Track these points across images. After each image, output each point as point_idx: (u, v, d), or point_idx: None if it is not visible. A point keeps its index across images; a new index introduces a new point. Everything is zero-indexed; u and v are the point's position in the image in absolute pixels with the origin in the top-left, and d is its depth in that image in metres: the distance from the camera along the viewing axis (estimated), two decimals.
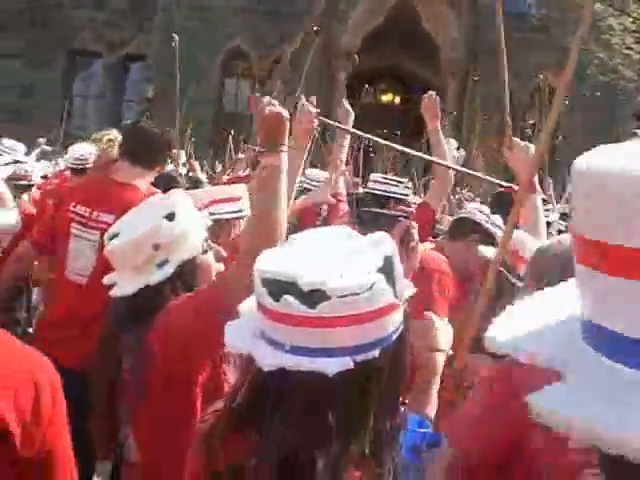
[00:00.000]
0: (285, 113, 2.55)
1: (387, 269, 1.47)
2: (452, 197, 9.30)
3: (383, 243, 1.54)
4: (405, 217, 2.19)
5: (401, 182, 5.90)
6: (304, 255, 1.49)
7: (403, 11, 27.78)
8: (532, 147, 3.38)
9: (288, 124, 2.56)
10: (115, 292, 2.56)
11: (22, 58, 32.74)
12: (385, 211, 2.34)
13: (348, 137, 5.06)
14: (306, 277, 1.41)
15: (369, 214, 2.21)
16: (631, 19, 20.62)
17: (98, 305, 2.94)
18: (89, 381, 2.79)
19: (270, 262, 1.49)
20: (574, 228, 0.88)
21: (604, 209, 0.81)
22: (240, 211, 3.86)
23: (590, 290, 0.88)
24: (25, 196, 6.38)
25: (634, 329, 0.81)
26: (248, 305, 1.61)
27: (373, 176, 6.15)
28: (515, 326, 0.98)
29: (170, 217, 2.60)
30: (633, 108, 29.52)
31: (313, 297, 1.40)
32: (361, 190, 6.98)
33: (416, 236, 2.66)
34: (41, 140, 12.71)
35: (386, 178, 6.06)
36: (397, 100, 33.95)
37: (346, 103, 4.94)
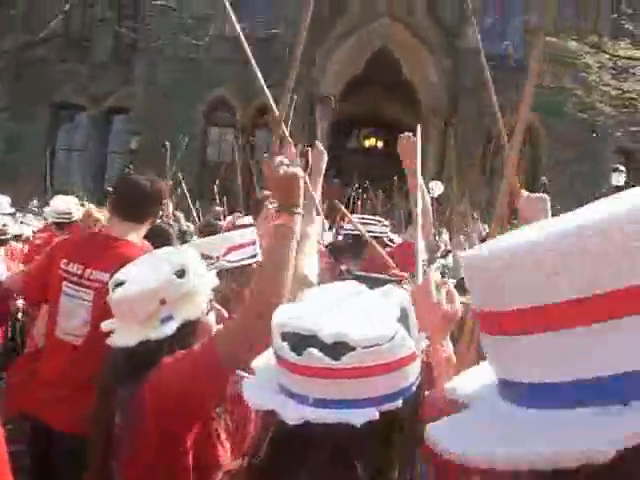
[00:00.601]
0: (300, 173, 2.52)
1: (404, 319, 1.49)
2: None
3: (395, 294, 1.57)
4: (397, 281, 2.10)
5: (379, 221, 5.92)
6: (321, 308, 1.49)
7: (383, 58, 28.13)
8: (542, 196, 3.48)
9: (303, 184, 2.53)
10: (115, 341, 2.51)
11: (6, 111, 32.89)
12: (378, 276, 2.28)
13: (321, 181, 5.02)
14: (328, 329, 1.41)
15: (361, 280, 2.09)
16: (607, 56, 20.92)
17: (91, 367, 2.83)
18: (81, 440, 2.73)
19: (288, 316, 1.50)
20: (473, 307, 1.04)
21: (481, 284, 0.98)
22: (257, 255, 3.81)
23: (485, 349, 1.03)
24: (1, 250, 6.37)
25: (512, 374, 0.97)
26: (263, 361, 1.62)
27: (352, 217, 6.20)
28: (470, 377, 1.12)
29: (180, 274, 2.57)
30: (614, 144, 29.84)
31: (337, 349, 1.39)
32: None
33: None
34: (35, 202, 12.77)
35: (364, 218, 6.15)
36: (380, 145, 34.21)
37: (319, 144, 4.93)
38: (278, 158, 2.56)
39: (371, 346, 1.40)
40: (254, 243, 3.82)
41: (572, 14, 27.04)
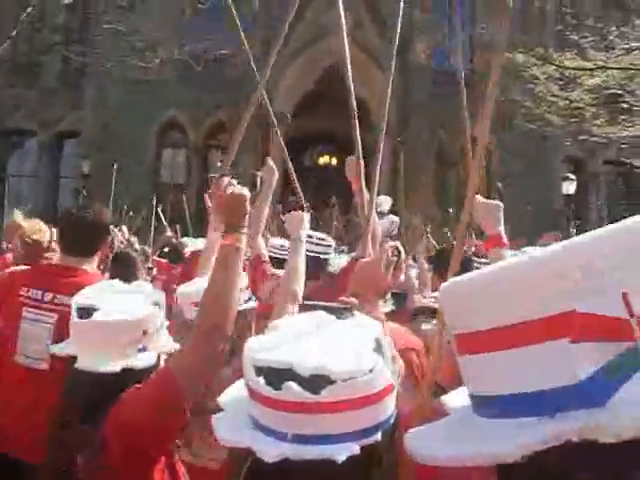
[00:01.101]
0: (247, 194, 2.57)
1: (379, 350, 1.45)
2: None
3: (369, 324, 1.53)
4: (348, 309, 2.12)
5: (322, 239, 5.75)
6: (295, 340, 1.44)
7: (334, 75, 28.24)
8: (494, 203, 3.60)
9: (248, 205, 2.58)
10: (95, 366, 2.46)
11: None
12: (327, 304, 2.32)
13: (269, 198, 5.04)
14: (306, 362, 1.35)
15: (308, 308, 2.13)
16: (554, 67, 21.24)
17: (55, 392, 2.77)
18: (37, 473, 2.70)
19: (262, 349, 1.43)
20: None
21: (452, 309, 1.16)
22: (251, 299, 3.80)
23: (460, 367, 1.14)
24: None
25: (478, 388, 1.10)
26: (232, 395, 1.55)
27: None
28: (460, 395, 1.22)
29: (157, 305, 2.63)
30: (564, 153, 30.28)
31: (316, 382, 1.34)
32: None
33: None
34: None
35: (310, 236, 5.94)
36: (334, 162, 34.30)
37: (270, 161, 4.97)
38: (227, 178, 2.65)
39: (350, 379, 1.35)
40: (247, 288, 3.78)
41: (518, 27, 27.46)
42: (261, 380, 1.37)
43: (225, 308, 2.45)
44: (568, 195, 26.07)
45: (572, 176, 25.99)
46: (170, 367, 2.46)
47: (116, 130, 30.45)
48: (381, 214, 12.24)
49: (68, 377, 2.57)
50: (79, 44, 26.52)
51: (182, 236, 12.76)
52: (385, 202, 12.90)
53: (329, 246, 5.77)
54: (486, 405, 1.06)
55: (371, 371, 1.37)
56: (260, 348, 1.43)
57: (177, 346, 2.66)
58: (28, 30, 22.60)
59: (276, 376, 1.35)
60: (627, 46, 19.17)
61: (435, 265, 6.10)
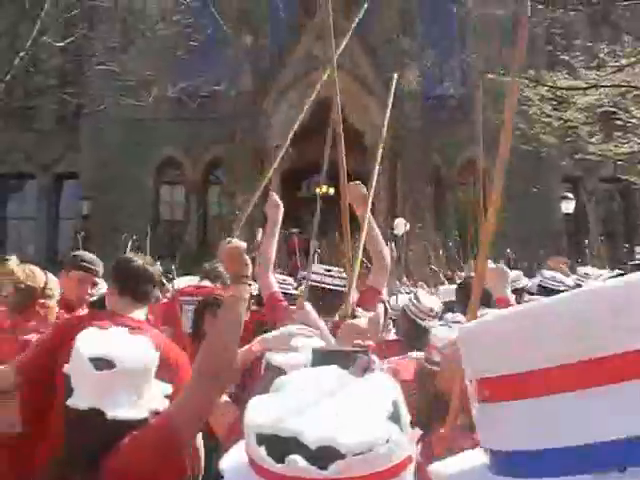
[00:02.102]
0: (243, 245, 2.74)
1: (397, 416, 1.27)
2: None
3: (385, 385, 1.35)
4: (364, 352, 2.13)
5: (335, 272, 5.65)
6: (303, 403, 1.25)
7: (326, 105, 28.38)
8: (503, 268, 3.71)
9: (245, 257, 2.72)
10: (126, 414, 2.44)
11: None
12: (341, 348, 2.29)
13: (276, 235, 5.04)
14: (312, 431, 1.18)
15: (320, 355, 2.14)
16: (546, 88, 21.32)
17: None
18: None
19: (265, 414, 1.25)
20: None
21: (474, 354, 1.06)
22: None
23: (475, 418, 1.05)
24: None
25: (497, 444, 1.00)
26: (233, 460, 1.36)
27: (316, 267, 5.82)
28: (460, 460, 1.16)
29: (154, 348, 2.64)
30: (561, 173, 30.35)
31: (323, 456, 1.16)
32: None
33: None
34: None
35: (329, 270, 5.71)
36: (331, 191, 34.36)
37: (274, 195, 5.00)
38: (228, 238, 2.81)
39: (363, 452, 1.17)
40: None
41: (508, 49, 27.63)
42: (262, 450, 1.20)
43: (226, 356, 2.53)
44: (567, 214, 26.14)
45: (570, 195, 26.07)
46: (169, 412, 2.48)
47: (114, 170, 30.56)
48: (395, 236, 12.28)
49: (68, 432, 2.54)
50: (73, 86, 26.63)
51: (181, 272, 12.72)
52: (400, 225, 12.89)
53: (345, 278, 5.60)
54: (512, 462, 0.92)
55: (386, 442, 1.20)
56: (262, 412, 1.26)
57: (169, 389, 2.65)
58: (22, 74, 22.69)
59: (279, 447, 1.19)
60: (618, 63, 19.25)
61: (460, 298, 5.74)
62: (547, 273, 9.06)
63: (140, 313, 4.03)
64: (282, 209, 4.84)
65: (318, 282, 5.31)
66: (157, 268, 4.25)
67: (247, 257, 2.76)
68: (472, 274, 5.93)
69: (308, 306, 3.95)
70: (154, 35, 24.18)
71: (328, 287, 5.28)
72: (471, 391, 1.04)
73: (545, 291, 8.42)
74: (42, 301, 4.43)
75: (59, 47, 22.63)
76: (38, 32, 20.46)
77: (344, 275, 5.37)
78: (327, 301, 4.95)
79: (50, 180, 33.74)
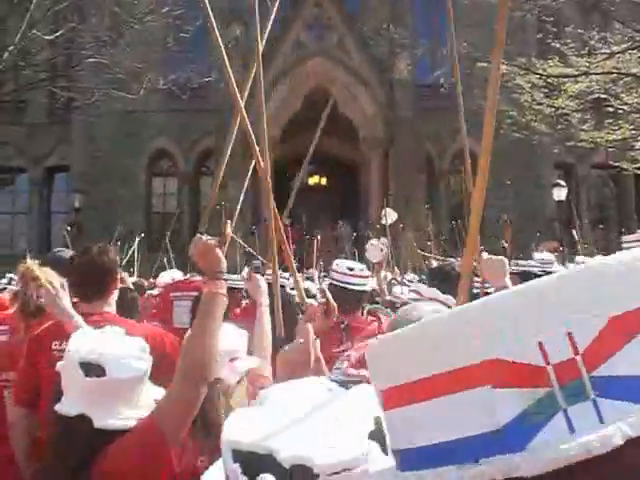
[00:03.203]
0: (214, 242, 2.73)
1: (379, 433, 1.18)
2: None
3: (369, 398, 1.21)
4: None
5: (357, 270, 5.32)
6: (282, 419, 1.17)
7: (318, 96, 28.38)
8: (501, 259, 3.71)
9: (218, 252, 2.71)
10: (114, 424, 2.44)
11: None
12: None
13: (266, 313, 4.32)
14: (288, 450, 1.10)
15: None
16: (537, 75, 21.32)
17: None
18: None
19: (242, 429, 1.17)
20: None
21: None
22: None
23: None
24: None
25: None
26: (212, 478, 1.29)
27: (338, 266, 5.45)
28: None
29: (145, 353, 2.64)
30: (553, 160, 30.39)
31: (297, 475, 1.09)
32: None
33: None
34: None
35: (351, 269, 5.32)
36: (323, 182, 34.37)
37: (255, 277, 4.50)
38: (197, 236, 2.79)
39: (337, 472, 1.10)
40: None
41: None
42: (237, 468, 1.12)
43: (206, 354, 2.53)
44: (559, 201, 26.15)
45: (562, 182, 26.07)
46: (153, 415, 2.48)
47: (105, 162, 30.52)
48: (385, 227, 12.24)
49: (56, 438, 2.54)
50: (64, 79, 26.54)
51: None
52: (389, 215, 12.81)
53: (366, 277, 5.46)
54: (408, 459, 1.02)
55: (366, 462, 1.13)
56: (240, 428, 1.18)
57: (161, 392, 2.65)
58: (12, 68, 22.60)
59: (254, 465, 1.11)
60: (609, 50, 19.27)
61: (435, 281, 5.61)
62: (537, 256, 9.08)
63: (109, 307, 3.97)
64: (262, 285, 4.27)
65: (339, 281, 5.16)
66: (110, 254, 4.14)
67: (219, 252, 2.73)
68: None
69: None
70: (144, 27, 24.07)
71: (351, 287, 5.12)
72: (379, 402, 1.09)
73: (535, 276, 8.41)
74: None
75: (49, 40, 22.53)
76: (27, 25, 20.36)
77: (365, 273, 5.33)
78: (348, 300, 4.88)
79: (41, 173, 33.66)
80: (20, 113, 32.16)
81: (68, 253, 5.06)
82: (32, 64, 23.11)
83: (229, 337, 2.92)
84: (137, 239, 14.16)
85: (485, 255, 3.89)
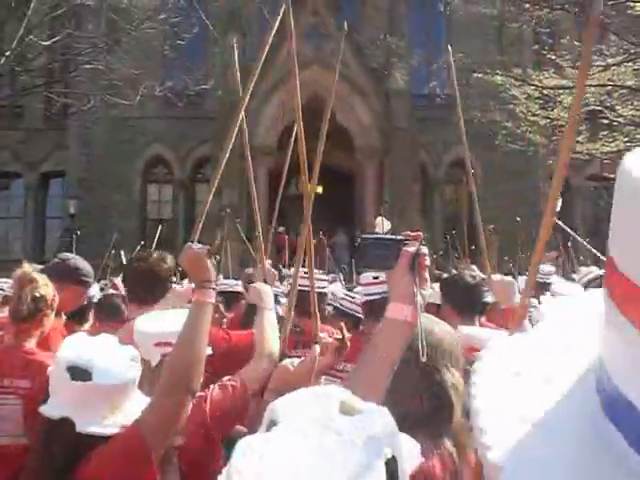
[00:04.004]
0: (203, 251, 2.71)
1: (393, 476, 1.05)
2: None
3: (381, 441, 1.07)
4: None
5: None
6: (287, 468, 1.01)
7: (315, 104, 28.38)
8: (510, 280, 3.78)
9: (207, 261, 2.70)
10: (100, 430, 2.45)
11: None
12: (390, 236, 2.15)
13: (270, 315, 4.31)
14: None
15: (369, 241, 2.06)
16: (533, 87, 21.39)
17: None
18: None
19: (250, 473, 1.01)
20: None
21: None
22: None
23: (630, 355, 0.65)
24: None
25: None
26: None
27: (365, 278, 5.28)
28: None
29: (134, 361, 2.64)
30: (547, 171, 30.46)
31: None
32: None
33: (427, 262, 2.28)
34: None
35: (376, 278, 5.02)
36: (319, 190, 34.41)
37: (258, 286, 4.47)
38: (188, 243, 2.76)
39: None
40: None
41: (495, 48, 27.70)
42: None
43: (192, 363, 2.52)
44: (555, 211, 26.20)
45: None
46: (137, 422, 2.47)
47: (101, 168, 30.51)
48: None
49: (40, 441, 2.55)
50: (60, 85, 26.57)
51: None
52: (380, 224, 12.74)
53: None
54: None
55: None
56: (250, 469, 1.02)
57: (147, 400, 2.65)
58: (9, 73, 22.61)
59: None
60: (604, 63, 19.32)
61: (446, 295, 5.36)
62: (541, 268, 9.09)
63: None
64: (267, 290, 4.23)
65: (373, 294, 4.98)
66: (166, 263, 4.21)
67: (208, 261, 2.72)
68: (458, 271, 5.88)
69: None
70: (140, 34, 24.10)
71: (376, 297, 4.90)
72: None
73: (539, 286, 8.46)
74: (48, 312, 4.37)
75: (45, 46, 22.54)
76: (25, 31, 20.37)
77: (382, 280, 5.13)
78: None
79: (36, 179, 33.61)
80: (16, 118, 32.16)
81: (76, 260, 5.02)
82: (29, 69, 23.12)
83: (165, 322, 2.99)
84: (137, 248, 14.08)
85: (496, 277, 3.98)
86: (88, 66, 23.34)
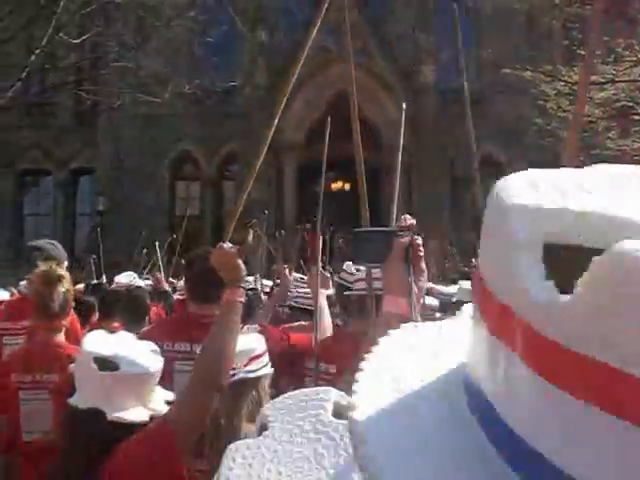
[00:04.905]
0: (233, 250, 2.76)
1: None
2: None
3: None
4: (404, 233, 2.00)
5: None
6: (275, 475, 1.02)
7: (341, 100, 28.37)
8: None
9: (237, 260, 2.74)
10: (130, 418, 2.46)
11: None
12: (382, 229, 2.12)
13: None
14: None
15: (362, 235, 2.04)
16: (562, 83, 21.21)
17: None
18: None
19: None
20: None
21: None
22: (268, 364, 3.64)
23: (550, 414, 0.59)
24: None
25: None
26: None
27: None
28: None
29: (157, 354, 2.69)
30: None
31: None
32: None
33: (422, 252, 2.22)
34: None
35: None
36: (347, 187, 34.35)
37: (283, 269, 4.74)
38: (220, 243, 2.82)
39: None
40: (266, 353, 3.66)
41: (524, 44, 27.50)
42: None
43: (222, 360, 2.57)
44: None
45: None
46: (166, 418, 2.50)
47: (130, 165, 30.68)
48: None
49: (69, 433, 2.57)
50: (90, 82, 26.74)
51: None
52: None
53: None
54: None
55: None
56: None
57: (171, 395, 2.66)
58: (39, 71, 22.79)
59: None
60: (635, 58, 19.14)
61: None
62: None
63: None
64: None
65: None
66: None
67: (240, 261, 2.76)
68: None
69: None
70: (169, 31, 24.20)
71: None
72: None
73: None
74: (72, 305, 4.42)
75: (75, 44, 22.67)
76: (54, 29, 20.50)
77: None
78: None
79: (66, 176, 33.85)
80: (47, 117, 32.42)
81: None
82: (58, 67, 23.29)
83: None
84: (168, 240, 14.10)
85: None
86: (117, 64, 23.46)
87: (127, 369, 2.50)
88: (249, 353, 3.41)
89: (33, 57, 20.56)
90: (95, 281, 10.60)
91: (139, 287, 7.12)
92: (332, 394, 1.14)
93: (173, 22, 24.04)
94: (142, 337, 3.94)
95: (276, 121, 3.22)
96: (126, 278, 8.89)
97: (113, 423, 2.44)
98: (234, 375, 2.90)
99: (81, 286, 8.93)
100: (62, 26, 21.37)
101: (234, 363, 2.62)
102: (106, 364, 2.51)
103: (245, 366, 3.29)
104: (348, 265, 4.96)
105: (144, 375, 2.54)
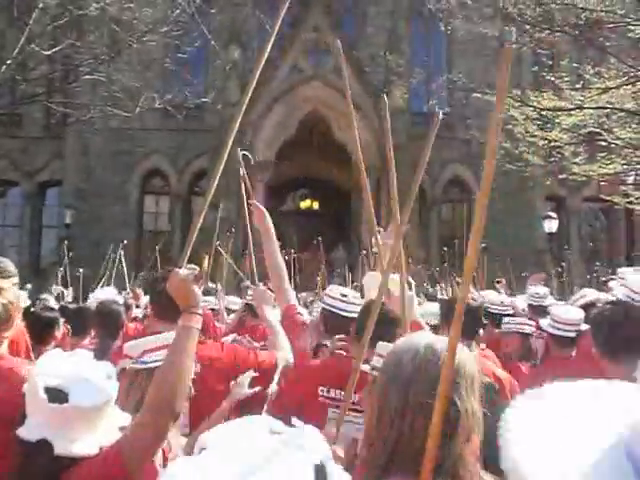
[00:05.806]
0: (189, 277, 2.74)
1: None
2: None
3: (311, 448, 1.15)
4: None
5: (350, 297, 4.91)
6: (218, 466, 1.09)
7: (313, 120, 28.47)
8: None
9: (193, 286, 2.74)
10: (77, 451, 2.43)
11: None
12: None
13: (274, 241, 4.92)
14: None
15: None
16: (531, 108, 21.43)
17: None
18: None
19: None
20: None
21: None
22: None
23: None
24: None
25: None
26: None
27: (332, 291, 5.07)
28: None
29: (111, 379, 2.63)
30: (544, 192, 30.54)
31: None
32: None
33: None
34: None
35: (344, 296, 4.90)
36: (315, 206, 34.44)
37: (255, 202, 4.91)
38: (175, 269, 2.80)
39: None
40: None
41: (494, 68, 27.75)
42: None
43: (176, 387, 2.53)
44: (550, 233, 26.30)
45: (553, 214, 26.24)
46: (119, 443, 2.47)
47: (98, 179, 30.53)
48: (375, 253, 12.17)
49: (18, 463, 2.51)
50: (60, 94, 26.58)
51: None
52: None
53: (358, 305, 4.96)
54: None
55: None
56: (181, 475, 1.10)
57: (128, 419, 2.64)
58: (9, 82, 22.61)
59: None
60: (603, 85, 19.39)
61: (446, 314, 5.27)
62: (531, 290, 9.15)
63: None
64: (266, 216, 4.77)
65: (332, 306, 4.79)
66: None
67: (194, 286, 2.74)
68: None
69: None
70: (142, 46, 24.12)
71: (343, 314, 4.69)
72: None
73: (532, 309, 8.46)
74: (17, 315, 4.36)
75: (46, 55, 22.54)
76: (26, 40, 20.39)
77: (358, 301, 4.84)
78: (338, 326, 4.57)
79: (34, 187, 33.60)
80: (15, 127, 32.17)
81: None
82: (29, 78, 23.11)
83: None
84: (120, 248, 13.80)
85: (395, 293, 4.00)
86: (89, 76, 23.35)
87: (77, 402, 2.46)
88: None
89: (4, 68, 20.42)
90: (70, 301, 10.53)
91: (114, 302, 7.07)
92: (266, 419, 1.24)
93: (146, 37, 23.96)
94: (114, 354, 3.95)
95: (234, 133, 3.20)
96: (104, 294, 8.88)
97: (63, 456, 2.42)
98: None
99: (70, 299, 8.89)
100: (34, 37, 21.26)
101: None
102: (56, 395, 2.46)
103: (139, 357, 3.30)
104: (331, 289, 5.06)
105: (95, 407, 2.49)
